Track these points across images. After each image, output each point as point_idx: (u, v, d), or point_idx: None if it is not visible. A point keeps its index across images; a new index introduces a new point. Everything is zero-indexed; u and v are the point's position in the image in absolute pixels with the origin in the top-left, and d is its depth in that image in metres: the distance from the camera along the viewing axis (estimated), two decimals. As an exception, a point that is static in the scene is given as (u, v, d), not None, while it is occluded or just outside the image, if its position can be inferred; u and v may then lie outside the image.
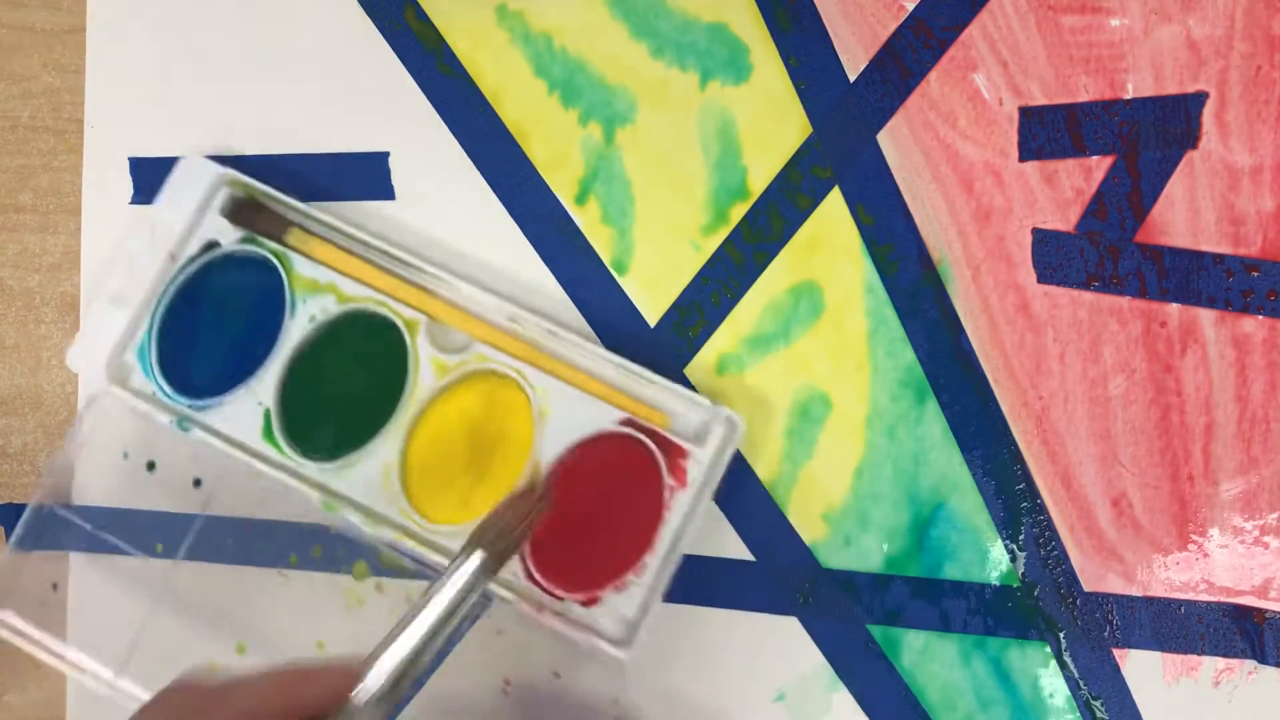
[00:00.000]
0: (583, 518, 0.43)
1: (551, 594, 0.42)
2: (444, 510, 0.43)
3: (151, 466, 0.45)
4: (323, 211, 0.45)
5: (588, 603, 0.42)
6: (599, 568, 0.42)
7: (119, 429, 0.45)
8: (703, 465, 0.42)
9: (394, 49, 0.46)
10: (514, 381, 0.44)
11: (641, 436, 0.43)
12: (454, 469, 0.44)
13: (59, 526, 0.45)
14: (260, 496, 0.44)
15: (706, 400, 0.43)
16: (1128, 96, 0.42)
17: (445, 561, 0.42)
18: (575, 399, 0.43)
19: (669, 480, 0.42)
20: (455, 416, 0.44)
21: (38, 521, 0.45)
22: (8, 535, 0.47)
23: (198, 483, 0.45)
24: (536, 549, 0.43)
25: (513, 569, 0.42)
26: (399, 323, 0.44)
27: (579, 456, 0.43)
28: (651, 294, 0.45)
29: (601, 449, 0.43)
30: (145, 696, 0.40)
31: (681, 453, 0.42)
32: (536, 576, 0.42)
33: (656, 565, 0.42)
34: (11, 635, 0.43)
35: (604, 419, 0.43)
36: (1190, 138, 0.42)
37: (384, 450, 0.43)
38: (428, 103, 0.46)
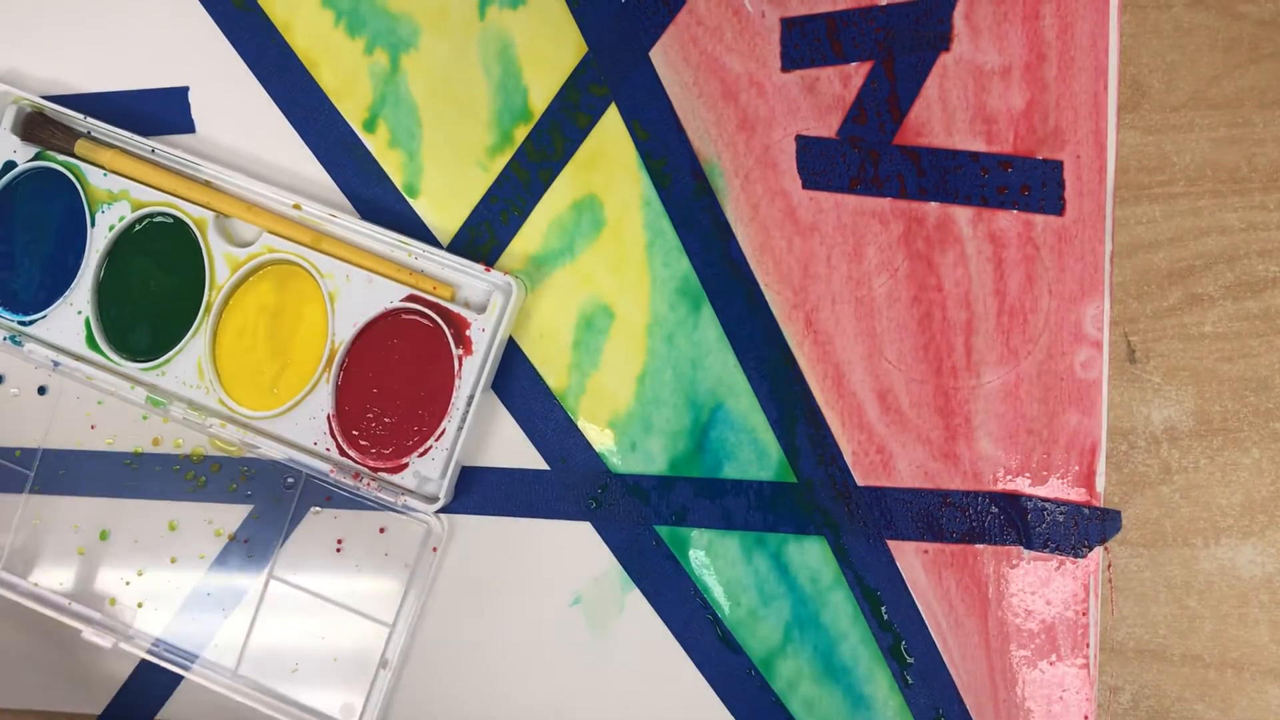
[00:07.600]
0: (382, 394, 0.46)
1: (364, 466, 0.45)
2: (255, 397, 0.46)
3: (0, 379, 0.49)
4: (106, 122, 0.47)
5: (396, 470, 0.45)
6: (402, 439, 0.45)
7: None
8: (487, 332, 0.45)
9: (191, -14, 0.48)
10: (303, 269, 0.46)
11: (428, 311, 0.45)
12: (259, 358, 0.46)
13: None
14: (98, 397, 0.48)
15: (482, 269, 0.45)
16: (883, 3, 0.44)
17: (269, 442, 0.46)
18: (362, 280, 0.45)
19: (456, 350, 0.44)
20: (254, 308, 0.46)
21: None
22: None
23: (42, 390, 0.48)
24: (344, 427, 0.46)
25: (326, 446, 0.46)
26: (188, 222, 0.46)
27: (371, 335, 0.45)
28: (443, 215, 0.47)
29: (391, 327, 0.45)
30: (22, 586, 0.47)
31: (465, 323, 0.45)
32: (349, 452, 0.45)
33: (454, 429, 0.45)
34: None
35: (391, 297, 0.45)
36: (943, 40, 0.43)
37: (195, 347, 0.46)
38: (223, 36, 0.48)
